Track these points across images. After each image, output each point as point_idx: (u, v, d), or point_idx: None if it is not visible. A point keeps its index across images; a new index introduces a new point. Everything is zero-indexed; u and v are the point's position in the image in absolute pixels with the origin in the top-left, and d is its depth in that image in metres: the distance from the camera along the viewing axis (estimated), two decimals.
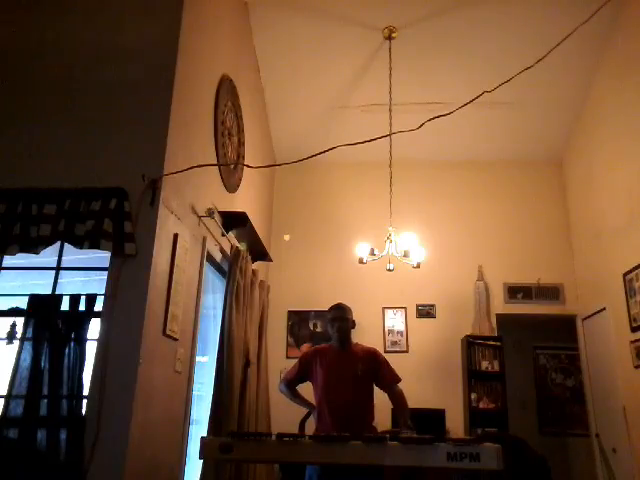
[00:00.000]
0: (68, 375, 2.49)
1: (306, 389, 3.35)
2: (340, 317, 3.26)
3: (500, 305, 5.69)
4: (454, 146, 6.00)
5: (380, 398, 3.28)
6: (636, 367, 4.31)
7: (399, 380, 3.23)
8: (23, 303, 2.61)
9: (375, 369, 3.21)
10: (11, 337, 2.64)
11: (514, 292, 5.71)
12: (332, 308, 3.34)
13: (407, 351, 5.58)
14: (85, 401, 2.47)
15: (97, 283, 2.71)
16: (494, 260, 5.80)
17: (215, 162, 3.70)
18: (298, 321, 5.74)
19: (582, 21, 3.01)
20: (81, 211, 2.64)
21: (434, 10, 4.62)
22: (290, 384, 3.34)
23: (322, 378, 3.19)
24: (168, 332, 2.79)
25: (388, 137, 3.89)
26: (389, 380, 3.21)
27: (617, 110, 4.71)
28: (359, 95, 5.45)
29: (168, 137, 2.84)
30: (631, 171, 4.40)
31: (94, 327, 2.57)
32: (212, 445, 2.30)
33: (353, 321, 3.33)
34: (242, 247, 4.03)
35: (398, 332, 5.67)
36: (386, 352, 5.16)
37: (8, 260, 2.79)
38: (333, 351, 3.27)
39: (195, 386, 3.31)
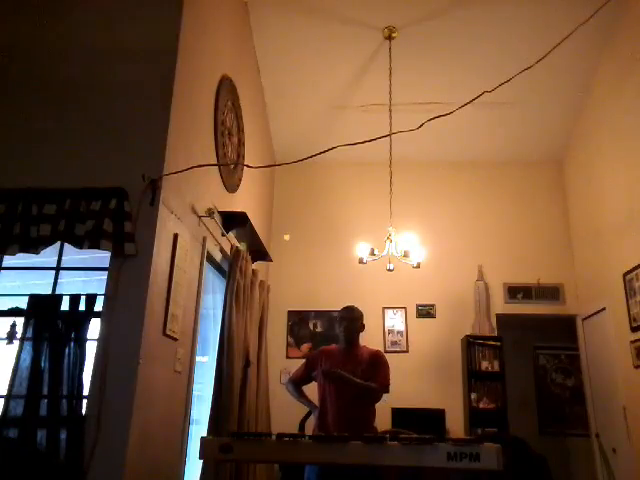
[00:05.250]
0: (68, 375, 2.49)
1: (312, 390, 3.37)
2: (348, 317, 3.33)
3: (500, 305, 5.69)
4: (454, 146, 5.99)
5: (380, 399, 3.28)
6: (636, 367, 4.31)
7: (387, 385, 3.22)
8: (23, 303, 2.61)
9: (375, 368, 3.22)
10: (11, 337, 2.63)
11: (514, 292, 5.70)
12: (343, 309, 3.41)
13: (407, 351, 5.58)
14: (85, 401, 2.47)
15: (97, 283, 2.71)
16: (494, 260, 5.80)
17: (215, 162, 3.70)
18: (298, 321, 5.74)
19: (582, 21, 3.01)
20: (81, 211, 2.64)
21: (434, 10, 4.62)
22: (297, 384, 3.41)
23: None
24: (168, 332, 2.79)
25: (388, 137, 3.89)
26: (378, 380, 3.19)
27: (617, 110, 4.71)
28: (359, 95, 5.45)
29: (168, 137, 2.84)
30: (631, 171, 4.40)
31: (94, 327, 2.57)
32: (212, 445, 2.30)
33: (362, 324, 3.38)
34: (242, 247, 4.02)
35: (398, 332, 5.67)
36: (386, 352, 5.12)
37: (8, 260, 2.78)
38: (338, 352, 3.32)
39: (195, 386, 3.31)
